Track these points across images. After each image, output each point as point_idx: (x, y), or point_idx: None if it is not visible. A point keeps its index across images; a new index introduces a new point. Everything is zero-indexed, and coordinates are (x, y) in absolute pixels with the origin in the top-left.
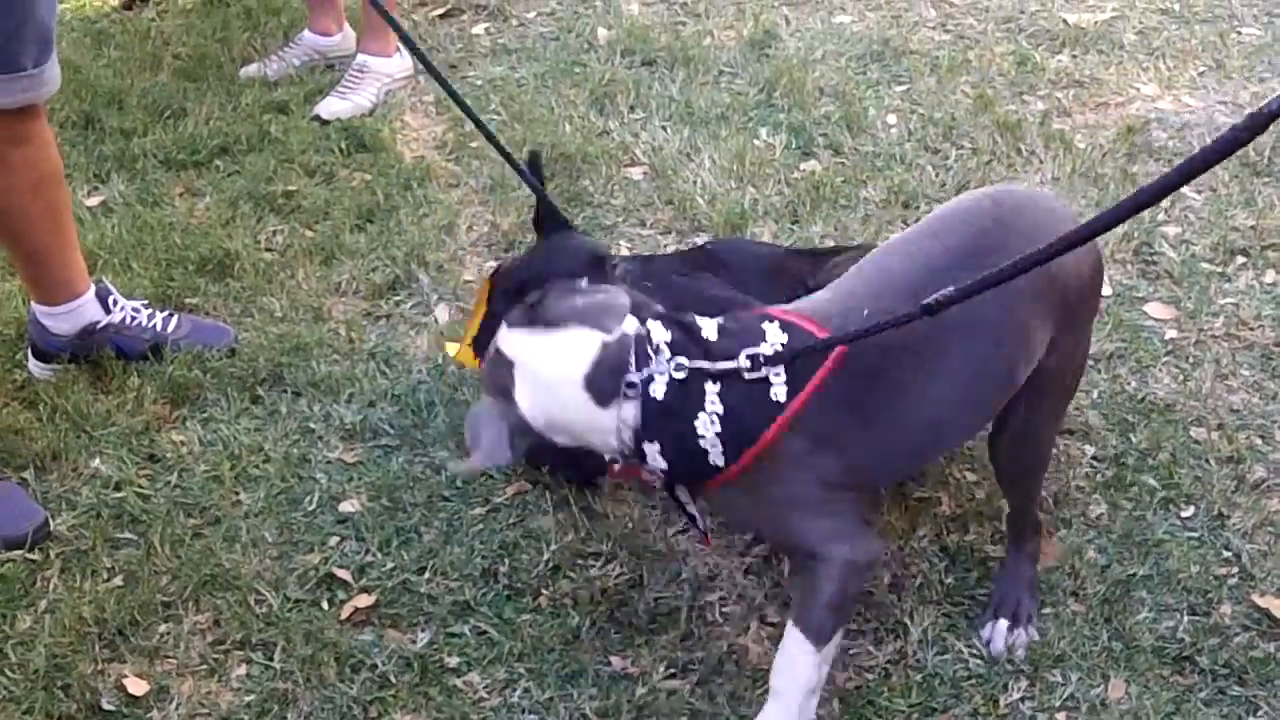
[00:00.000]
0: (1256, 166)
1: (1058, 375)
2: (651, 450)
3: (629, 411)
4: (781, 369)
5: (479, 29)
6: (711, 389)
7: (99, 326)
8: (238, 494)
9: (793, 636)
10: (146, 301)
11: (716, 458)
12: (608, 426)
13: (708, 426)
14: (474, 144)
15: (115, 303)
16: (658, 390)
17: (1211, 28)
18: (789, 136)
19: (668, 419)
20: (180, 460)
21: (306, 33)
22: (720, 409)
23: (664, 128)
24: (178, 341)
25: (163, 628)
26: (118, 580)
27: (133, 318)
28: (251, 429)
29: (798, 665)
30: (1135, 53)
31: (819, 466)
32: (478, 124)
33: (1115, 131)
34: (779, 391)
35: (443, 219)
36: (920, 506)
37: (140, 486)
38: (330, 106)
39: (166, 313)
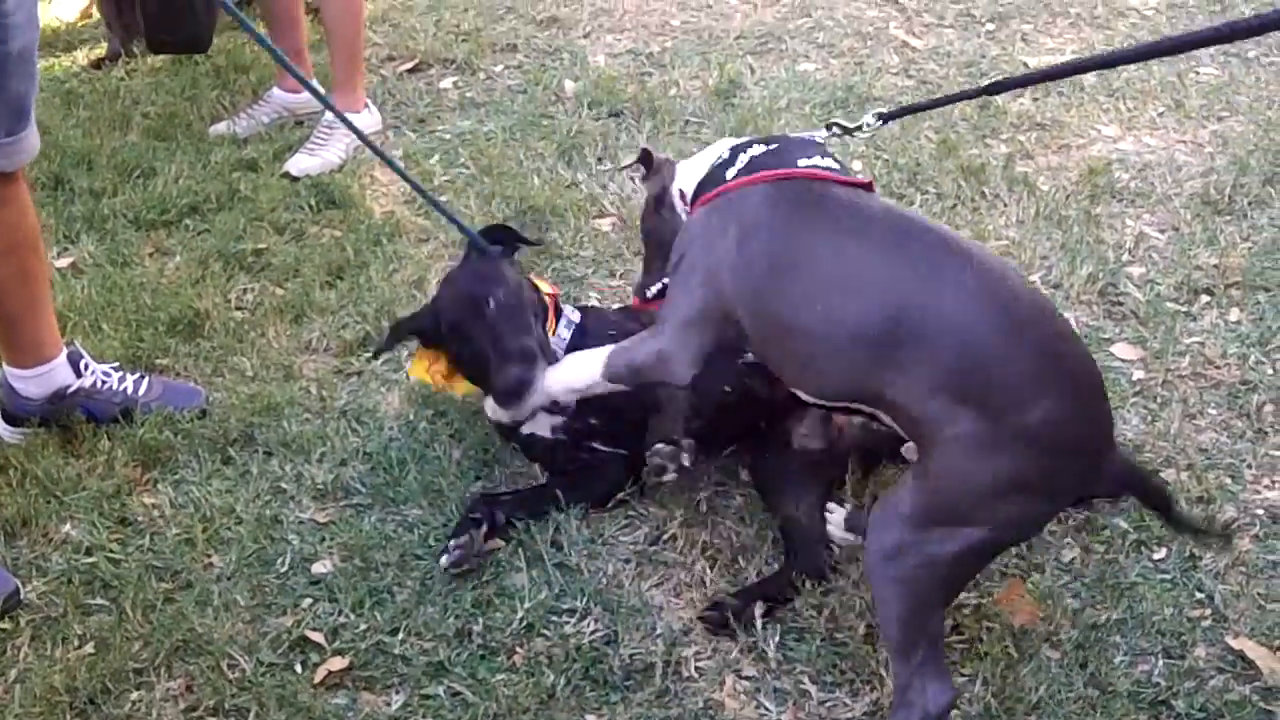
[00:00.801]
0: (1218, 205)
1: None
2: None
3: None
4: None
5: (447, 83)
6: None
7: (70, 391)
8: (210, 556)
9: None
10: (117, 364)
11: None
12: None
13: None
14: (442, 197)
15: (86, 366)
16: None
17: (1170, 68)
18: None
19: None
20: (152, 523)
21: (275, 90)
22: None
23: (632, 178)
24: (148, 404)
25: (135, 695)
26: (89, 647)
27: (103, 381)
28: (223, 490)
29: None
30: (1096, 94)
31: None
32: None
33: (1078, 173)
34: None
35: (413, 274)
36: None
37: (111, 551)
38: (300, 163)
39: (137, 375)
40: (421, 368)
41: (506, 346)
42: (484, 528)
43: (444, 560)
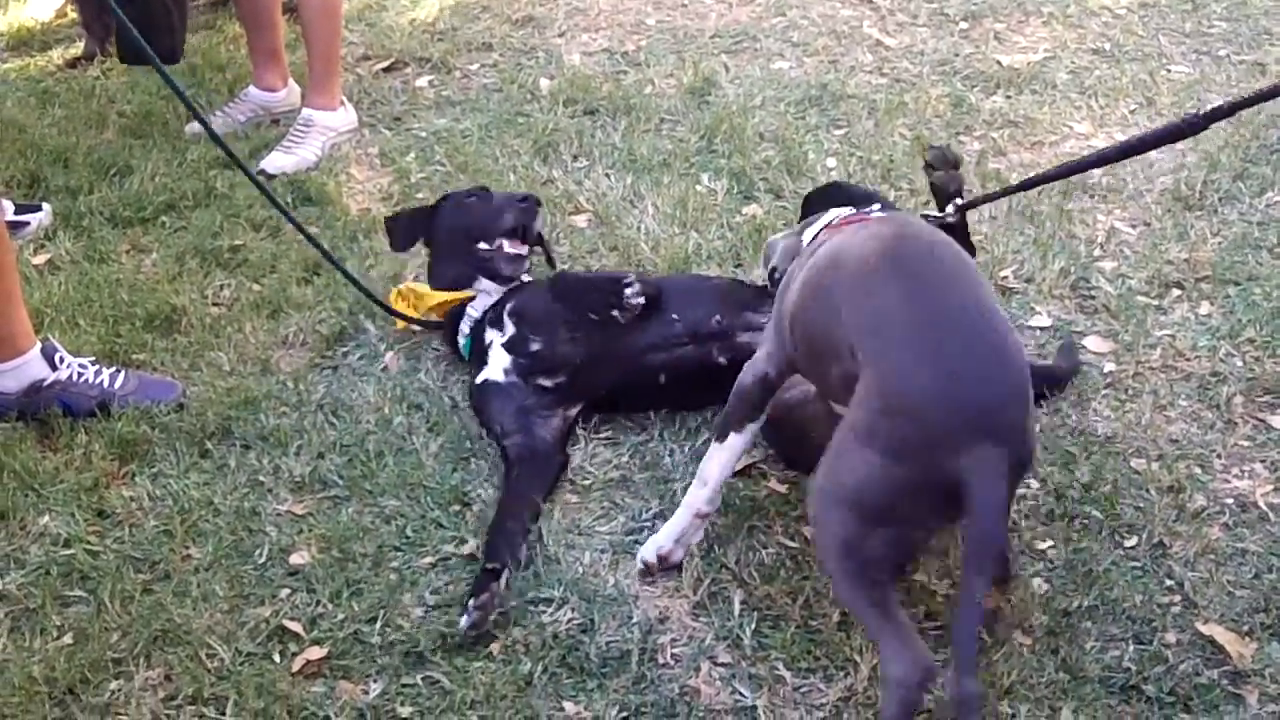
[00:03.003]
0: (1188, 201)
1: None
2: None
3: None
4: None
5: (423, 82)
6: None
7: (45, 384)
8: (188, 548)
9: None
10: (94, 358)
11: None
12: None
13: None
14: (419, 195)
15: (61, 360)
16: None
17: (1141, 66)
18: (730, 181)
19: None
20: (130, 516)
21: (252, 89)
22: None
23: (607, 175)
24: (125, 398)
25: (114, 685)
26: (68, 638)
27: (79, 374)
28: (201, 483)
29: None
30: (1068, 92)
31: None
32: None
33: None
34: None
35: (389, 269)
36: None
37: (89, 543)
38: (276, 161)
39: (114, 369)
40: (403, 303)
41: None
42: (505, 576)
43: (463, 622)
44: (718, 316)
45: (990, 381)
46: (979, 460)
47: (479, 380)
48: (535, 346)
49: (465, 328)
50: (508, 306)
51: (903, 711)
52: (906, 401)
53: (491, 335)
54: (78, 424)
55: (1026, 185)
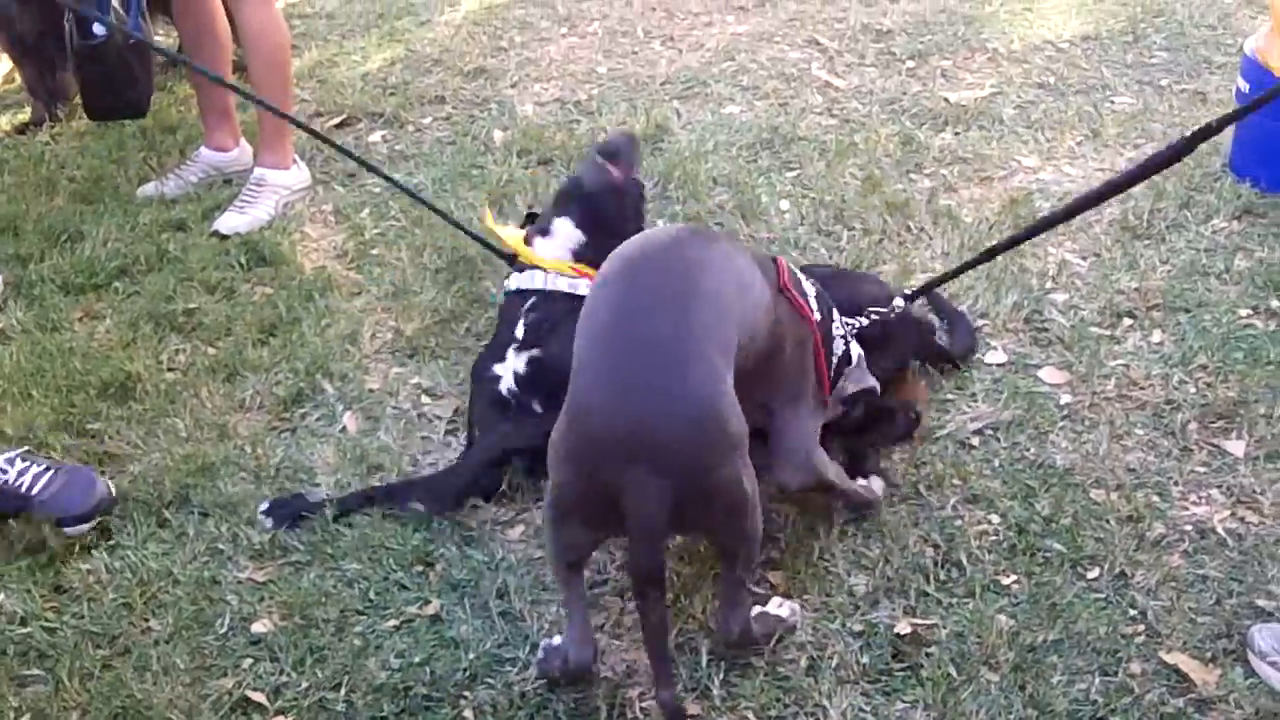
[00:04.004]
0: (1137, 230)
1: None
2: None
3: None
4: None
5: (375, 136)
6: None
7: None
8: (147, 621)
9: None
10: (26, 450)
11: None
12: None
13: None
14: (374, 251)
15: None
16: None
17: (1086, 99)
18: None
19: None
20: (88, 590)
21: (203, 149)
22: None
23: None
24: (43, 503)
25: None
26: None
27: (1, 473)
28: (159, 553)
29: None
30: (1015, 126)
31: None
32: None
33: (1000, 204)
34: None
35: (346, 328)
36: (832, 584)
37: (47, 620)
38: (229, 221)
39: (42, 468)
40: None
41: None
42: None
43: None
44: None
45: (656, 410)
46: (634, 484)
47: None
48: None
49: None
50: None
51: (541, 672)
52: (581, 416)
53: None
54: None
55: (987, 256)
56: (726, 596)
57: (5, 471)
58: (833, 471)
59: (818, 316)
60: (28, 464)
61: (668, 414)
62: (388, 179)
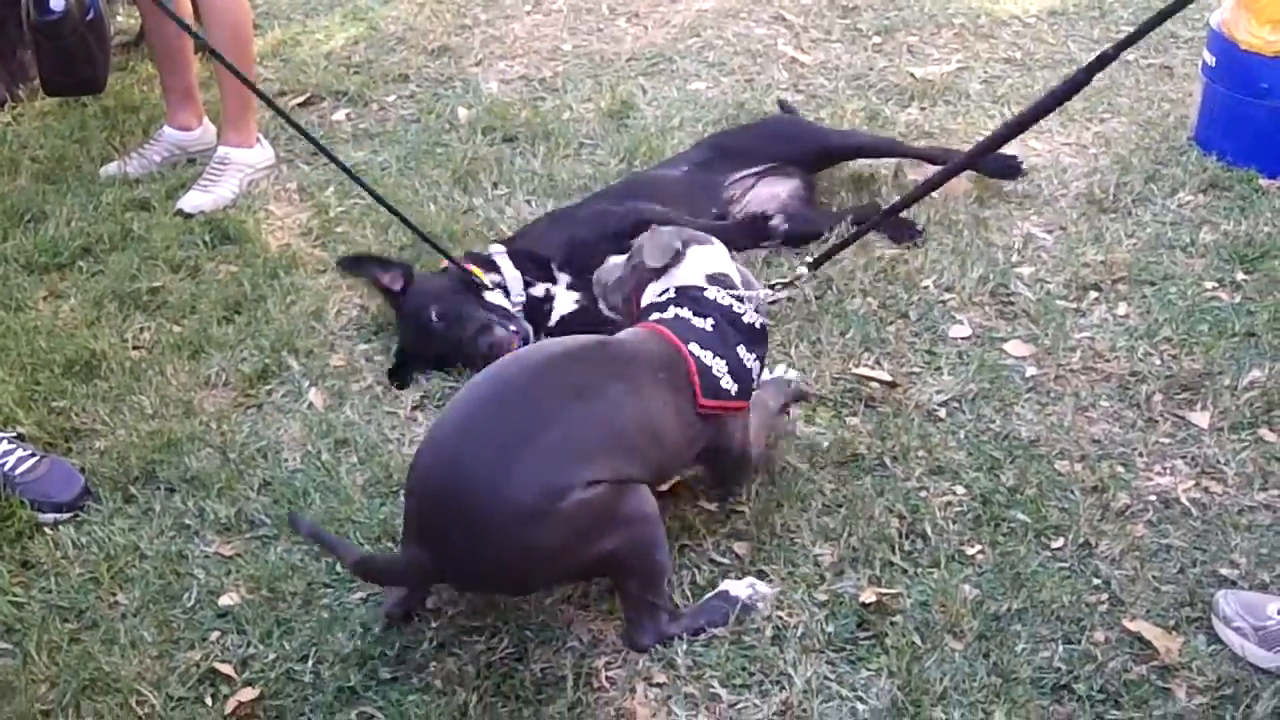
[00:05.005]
0: (1103, 204)
1: None
2: None
3: None
4: None
5: (339, 115)
6: None
7: None
8: (115, 595)
9: None
10: (15, 434)
11: None
12: None
13: None
14: (339, 229)
15: None
16: None
17: (1052, 73)
18: None
19: None
20: (55, 565)
21: (166, 129)
22: None
23: (528, 201)
24: (24, 487)
25: None
26: None
27: None
28: (126, 529)
29: None
30: (981, 101)
31: None
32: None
33: (966, 179)
34: None
35: (311, 305)
36: (797, 554)
37: (14, 594)
38: (193, 200)
39: (28, 453)
40: None
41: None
42: None
43: None
44: None
45: (441, 490)
46: (407, 548)
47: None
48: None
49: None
50: None
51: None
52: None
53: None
54: None
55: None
56: (625, 612)
57: None
58: (761, 437)
59: (725, 367)
60: (14, 447)
61: (448, 501)
62: (332, 158)
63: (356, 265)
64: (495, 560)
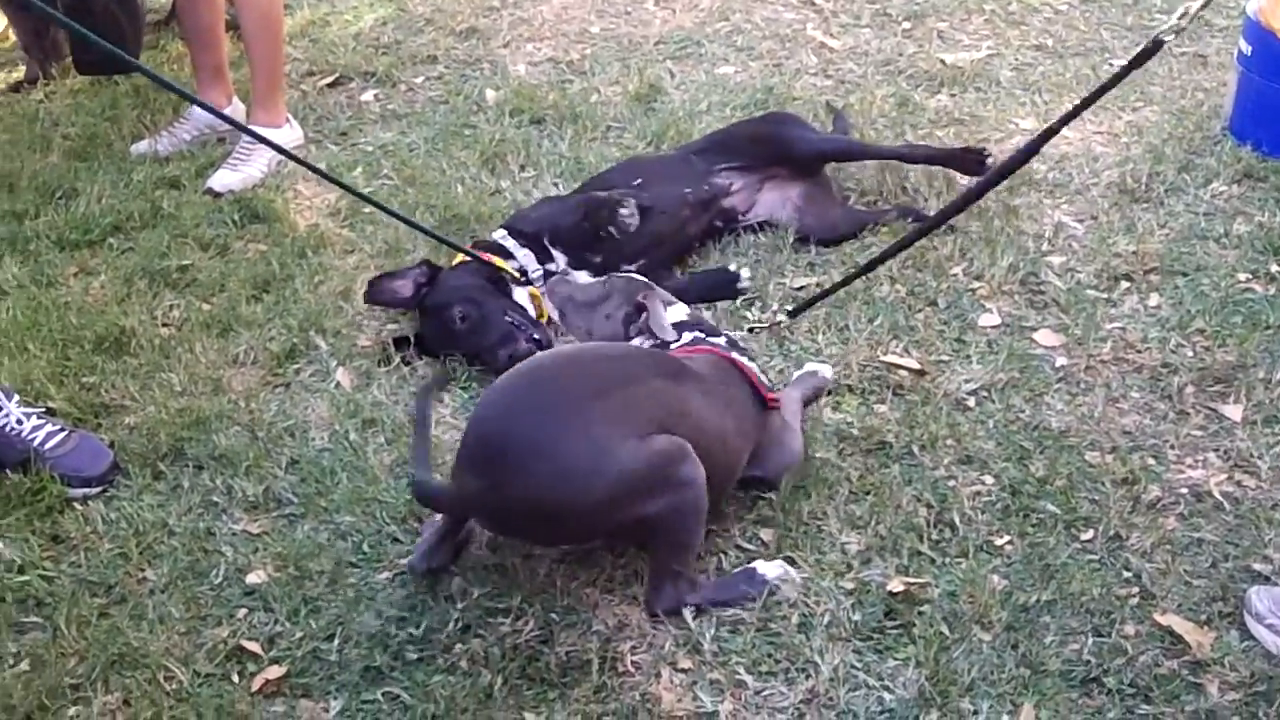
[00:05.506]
0: (1135, 194)
1: None
2: None
3: None
4: None
5: (368, 95)
6: None
7: None
8: (143, 571)
9: None
10: (44, 409)
11: None
12: None
13: None
14: (366, 209)
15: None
16: None
17: (1084, 60)
18: None
19: None
20: (85, 540)
21: (196, 108)
22: None
23: (555, 184)
24: (55, 461)
25: (72, 711)
26: (24, 665)
27: (16, 426)
28: (155, 505)
29: None
30: (1012, 89)
31: None
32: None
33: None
34: None
35: (339, 285)
36: (824, 542)
37: (44, 569)
38: (222, 179)
39: (58, 427)
40: None
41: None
42: None
43: None
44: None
45: (503, 427)
46: (458, 477)
47: None
48: None
49: None
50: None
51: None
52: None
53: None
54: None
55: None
56: (650, 576)
57: (21, 424)
58: (798, 416)
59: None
60: (43, 422)
61: (506, 438)
62: (317, 171)
63: (376, 295)
64: (539, 500)
